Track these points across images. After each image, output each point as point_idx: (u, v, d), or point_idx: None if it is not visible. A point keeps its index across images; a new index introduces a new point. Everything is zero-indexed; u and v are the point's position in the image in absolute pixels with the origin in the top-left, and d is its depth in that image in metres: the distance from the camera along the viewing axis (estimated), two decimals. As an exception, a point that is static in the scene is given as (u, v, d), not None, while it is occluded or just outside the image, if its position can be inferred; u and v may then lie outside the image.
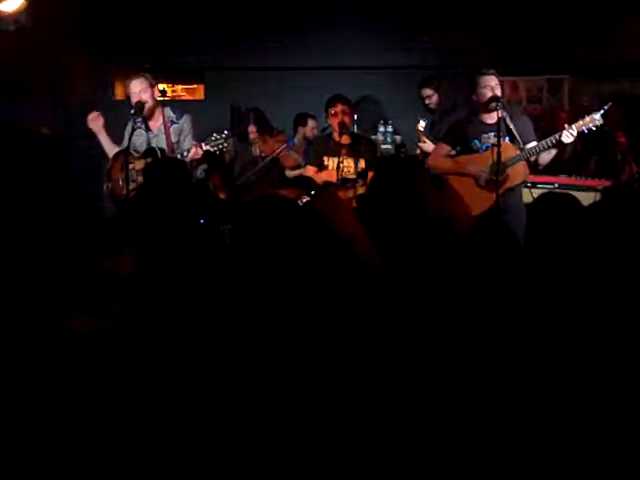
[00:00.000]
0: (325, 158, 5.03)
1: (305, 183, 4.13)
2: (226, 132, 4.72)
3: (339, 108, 4.91)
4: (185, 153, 4.66)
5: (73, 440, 1.75)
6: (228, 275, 2.00)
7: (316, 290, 1.94)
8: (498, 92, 4.57)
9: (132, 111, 4.72)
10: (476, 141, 4.67)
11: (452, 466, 1.82)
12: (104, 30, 6.74)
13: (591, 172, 5.08)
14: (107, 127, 4.93)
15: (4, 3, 5.21)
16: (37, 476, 1.73)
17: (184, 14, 6.79)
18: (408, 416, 1.86)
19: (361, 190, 4.78)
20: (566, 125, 4.41)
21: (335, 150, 4.92)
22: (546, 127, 6.53)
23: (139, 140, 4.78)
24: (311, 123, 6.39)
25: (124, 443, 1.76)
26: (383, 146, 6.13)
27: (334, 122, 4.94)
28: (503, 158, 4.36)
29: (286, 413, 1.77)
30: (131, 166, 4.61)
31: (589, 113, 4.40)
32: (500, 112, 4.38)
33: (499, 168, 4.37)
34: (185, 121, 4.86)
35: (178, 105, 5.00)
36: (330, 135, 5.12)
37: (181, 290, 2.04)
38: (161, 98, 7.17)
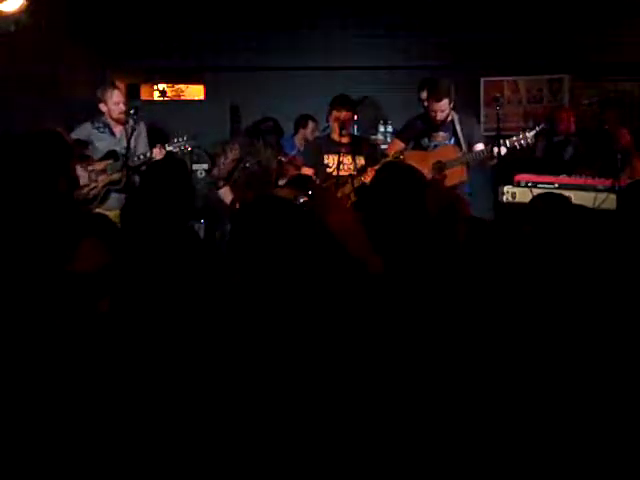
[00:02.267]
0: (325, 156, 5.05)
1: (304, 182, 4.14)
2: (186, 136, 4.95)
3: (343, 114, 4.96)
4: (148, 154, 4.87)
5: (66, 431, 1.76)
6: (226, 276, 2.00)
7: (313, 291, 1.94)
8: (447, 111, 4.89)
9: (132, 110, 4.87)
10: (426, 139, 5.00)
11: (452, 466, 1.82)
12: (104, 31, 6.74)
13: (595, 173, 5.08)
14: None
15: (4, 3, 5.20)
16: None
17: (184, 14, 6.78)
18: (406, 416, 1.86)
19: (358, 183, 4.82)
20: (501, 140, 4.76)
21: (335, 148, 4.96)
22: (547, 127, 6.53)
23: (102, 144, 5.02)
24: (311, 125, 6.39)
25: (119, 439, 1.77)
26: (383, 146, 6.13)
27: (336, 124, 4.98)
28: (444, 159, 4.80)
29: (282, 412, 1.77)
30: (90, 168, 4.88)
31: (524, 130, 4.82)
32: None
33: (443, 166, 4.75)
34: (142, 127, 5.12)
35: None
36: (329, 135, 5.15)
37: (177, 290, 2.04)
38: (161, 98, 7.22)
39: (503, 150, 4.75)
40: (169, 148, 4.90)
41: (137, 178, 4.80)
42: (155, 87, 7.49)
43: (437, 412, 1.87)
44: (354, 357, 1.87)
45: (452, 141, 4.96)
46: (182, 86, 7.63)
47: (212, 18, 6.80)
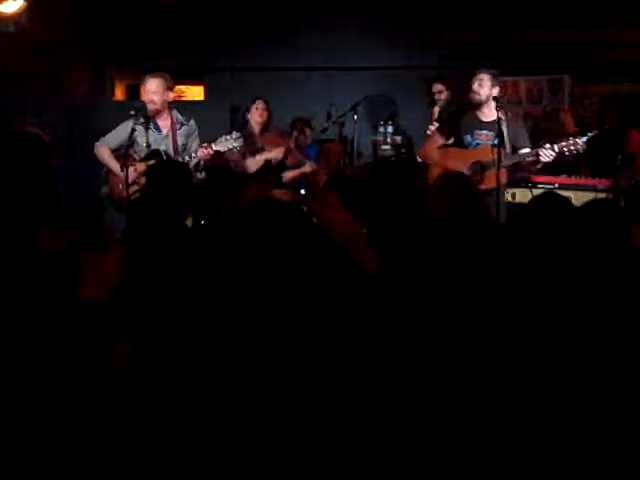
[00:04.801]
0: None
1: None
2: (234, 133, 4.72)
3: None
4: (193, 154, 4.62)
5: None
6: (225, 278, 2.00)
7: (313, 292, 1.94)
8: (486, 88, 4.64)
9: (132, 111, 4.71)
10: (468, 136, 4.73)
11: (452, 466, 1.82)
12: (104, 31, 6.74)
13: (598, 172, 5.06)
14: (106, 128, 4.92)
15: (4, 4, 5.21)
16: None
17: (184, 15, 6.79)
18: (407, 417, 1.86)
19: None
20: (547, 144, 4.49)
21: None
22: (547, 127, 6.53)
23: (145, 139, 4.67)
24: (307, 132, 6.36)
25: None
26: (383, 146, 6.14)
27: None
28: (484, 159, 4.49)
29: (282, 413, 1.77)
30: (132, 168, 4.54)
31: (575, 136, 4.50)
32: (499, 113, 4.47)
33: (483, 166, 4.51)
34: (194, 124, 4.84)
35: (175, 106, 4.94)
36: None
37: (177, 292, 2.04)
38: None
39: (551, 154, 4.44)
40: (217, 148, 4.66)
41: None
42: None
43: (436, 413, 1.87)
44: (353, 358, 1.87)
45: (496, 142, 4.56)
46: (182, 86, 7.62)
47: (212, 18, 6.81)
